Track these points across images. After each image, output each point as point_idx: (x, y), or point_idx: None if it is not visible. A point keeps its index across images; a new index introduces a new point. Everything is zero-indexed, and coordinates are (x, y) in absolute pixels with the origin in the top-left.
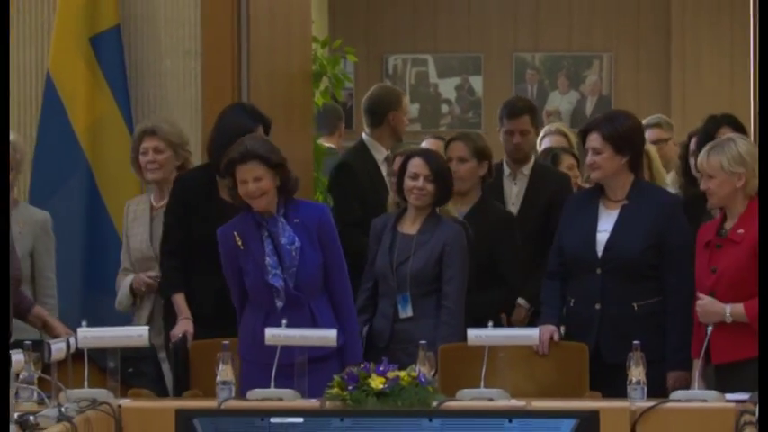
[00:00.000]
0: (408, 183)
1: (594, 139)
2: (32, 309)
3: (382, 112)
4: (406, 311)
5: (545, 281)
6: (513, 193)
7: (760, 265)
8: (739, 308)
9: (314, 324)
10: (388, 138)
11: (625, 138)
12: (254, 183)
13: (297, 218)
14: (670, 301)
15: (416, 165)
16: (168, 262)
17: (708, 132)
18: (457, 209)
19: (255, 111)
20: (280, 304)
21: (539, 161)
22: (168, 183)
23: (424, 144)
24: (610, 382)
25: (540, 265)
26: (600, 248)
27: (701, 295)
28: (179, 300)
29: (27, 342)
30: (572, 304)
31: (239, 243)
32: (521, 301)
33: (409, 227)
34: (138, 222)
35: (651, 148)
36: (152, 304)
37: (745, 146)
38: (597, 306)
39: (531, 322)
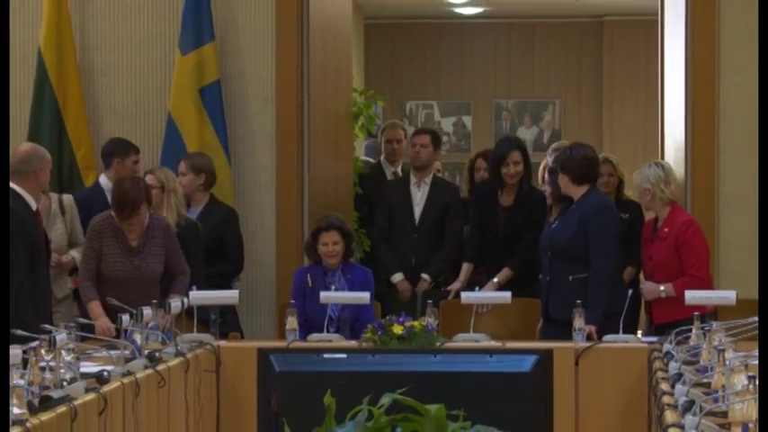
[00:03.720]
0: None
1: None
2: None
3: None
4: None
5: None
6: (419, 197)
7: (760, 264)
8: (669, 287)
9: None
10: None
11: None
12: (333, 245)
13: (350, 275)
14: (590, 277)
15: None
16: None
17: None
18: None
19: (514, 138)
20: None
21: (437, 175)
22: None
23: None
24: (556, 332)
25: (440, 249)
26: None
27: (643, 281)
28: (466, 268)
29: (154, 301)
30: (540, 277)
31: (310, 283)
32: (424, 275)
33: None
34: None
35: None
36: None
37: (653, 170)
38: (548, 278)
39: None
